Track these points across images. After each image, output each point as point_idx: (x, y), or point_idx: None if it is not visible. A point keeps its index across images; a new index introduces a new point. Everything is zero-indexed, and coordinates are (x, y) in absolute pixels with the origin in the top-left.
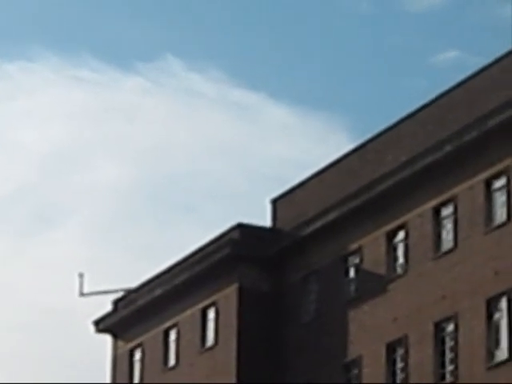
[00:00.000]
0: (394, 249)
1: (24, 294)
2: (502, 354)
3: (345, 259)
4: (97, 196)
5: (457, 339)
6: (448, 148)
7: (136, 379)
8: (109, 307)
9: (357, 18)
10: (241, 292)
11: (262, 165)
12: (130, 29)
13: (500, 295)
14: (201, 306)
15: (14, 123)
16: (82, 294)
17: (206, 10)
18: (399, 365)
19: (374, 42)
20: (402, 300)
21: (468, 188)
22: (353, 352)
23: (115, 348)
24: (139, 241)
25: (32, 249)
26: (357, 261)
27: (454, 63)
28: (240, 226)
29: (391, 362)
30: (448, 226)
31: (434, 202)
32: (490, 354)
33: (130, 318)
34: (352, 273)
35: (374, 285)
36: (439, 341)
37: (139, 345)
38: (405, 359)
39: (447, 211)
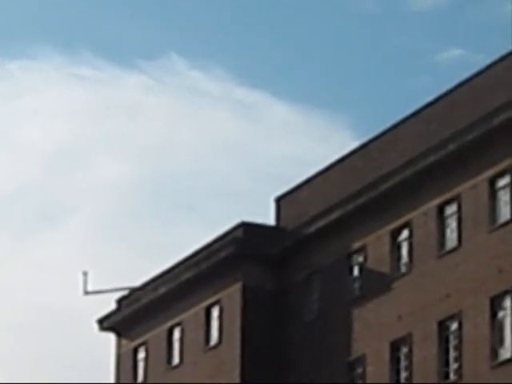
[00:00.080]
0: (398, 247)
1: (27, 292)
2: (506, 352)
3: (349, 258)
4: (99, 194)
5: (461, 337)
6: (452, 146)
7: (140, 378)
8: (113, 306)
9: (360, 17)
10: (245, 290)
11: (266, 163)
12: (133, 27)
13: (504, 293)
14: (205, 304)
15: (18, 122)
16: (86, 292)
17: (209, 8)
18: (403, 363)
19: (377, 40)
20: (406, 298)
21: (472, 186)
22: (357, 350)
23: (119, 346)
24: (142, 239)
25: (35, 247)
26: (361, 259)
27: (458, 61)
28: (244, 225)
29: (395, 360)
30: (452, 224)
31: (437, 201)
32: (494, 353)
33: (133, 316)
34: (356, 271)
35: (377, 283)
36: (443, 339)
37: (143, 343)
38: (409, 357)
39: (451, 210)
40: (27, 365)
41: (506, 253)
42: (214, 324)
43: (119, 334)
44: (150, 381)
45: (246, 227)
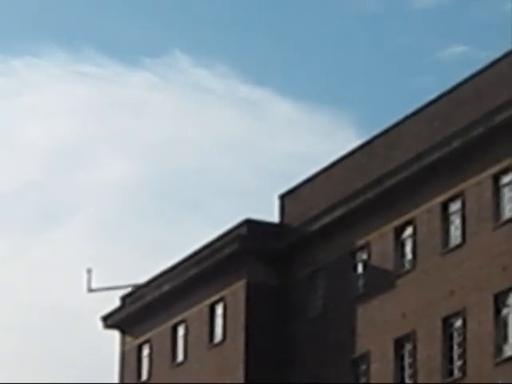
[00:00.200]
0: (402, 244)
1: (31, 291)
2: (510, 349)
3: (353, 255)
4: (103, 193)
5: (465, 335)
6: (456, 144)
7: (144, 375)
8: (117, 303)
9: (363, 15)
10: (249, 288)
11: (270, 160)
12: (137, 24)
13: (508, 290)
14: (209, 301)
15: (20, 119)
16: (90, 290)
17: (213, 6)
18: (407, 360)
19: (380, 38)
20: (410, 295)
21: (476, 183)
22: (361, 347)
23: (123, 344)
24: (147, 237)
25: (38, 247)
26: (365, 256)
27: (461, 58)
28: (248, 222)
29: (399, 357)
30: (456, 221)
31: (441, 198)
32: (499, 350)
33: (138, 313)
34: (360, 268)
35: (381, 280)
36: (447, 336)
37: (147, 340)
38: (413, 355)
39: (455, 207)
40: (31, 363)
41: (510, 250)
42: (218, 321)
43: (123, 332)
44: (154, 378)
45: (250, 224)
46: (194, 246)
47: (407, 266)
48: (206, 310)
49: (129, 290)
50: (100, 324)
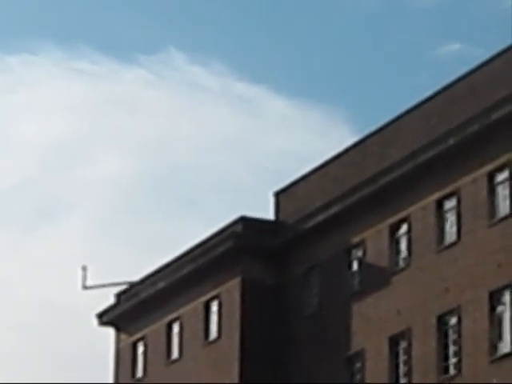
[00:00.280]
0: (397, 242)
1: (26, 288)
2: (505, 346)
3: (348, 252)
4: (98, 190)
5: (460, 332)
6: (451, 141)
7: (139, 372)
8: (112, 300)
9: (359, 12)
10: (244, 285)
11: (265, 158)
12: (132, 21)
13: (503, 288)
14: (204, 298)
15: (15, 116)
16: (85, 287)
17: (208, 3)
18: (402, 358)
19: (376, 35)
20: (405, 293)
21: (471, 181)
22: (356, 345)
23: (118, 341)
24: (142, 234)
25: (33, 243)
26: (360, 254)
27: (456, 56)
28: (243, 219)
29: (394, 354)
30: (451, 218)
31: (437, 195)
32: (494, 347)
33: (133, 310)
34: (355, 266)
35: (377, 278)
36: (442, 334)
37: (142, 338)
38: (408, 352)
39: (450, 204)
40: (26, 360)
41: (505, 247)
42: (214, 318)
43: (118, 329)
44: (149, 375)
45: (246, 222)
46: (189, 243)
47: (402, 263)
48: (201, 308)
49: (124, 287)
50: (95, 321)
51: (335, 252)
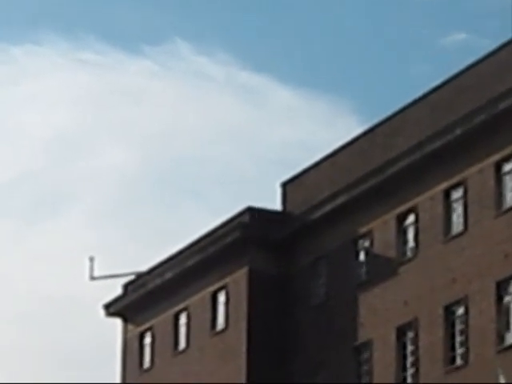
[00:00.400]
0: (404, 232)
1: (31, 280)
2: (511, 336)
3: (355, 242)
4: (103, 182)
5: (467, 322)
6: (458, 131)
7: (146, 363)
8: (119, 291)
9: (365, 2)
10: (251, 275)
11: (270, 148)
12: (137, 12)
13: (510, 278)
14: (211, 289)
15: (19, 108)
16: (92, 278)
17: None
18: (409, 348)
19: (381, 25)
20: (412, 283)
21: (478, 171)
22: (363, 335)
23: (125, 332)
24: (147, 226)
25: (37, 236)
26: (367, 244)
27: (462, 46)
28: (250, 210)
29: (401, 345)
30: (458, 209)
31: (444, 185)
32: (500, 337)
33: (140, 301)
34: (362, 256)
35: (384, 268)
36: (449, 324)
37: (149, 328)
38: (415, 342)
39: (457, 194)
40: (34, 352)
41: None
42: (221, 309)
43: (125, 320)
44: (156, 366)
45: (252, 212)
46: (196, 234)
47: (409, 253)
48: (208, 298)
49: (131, 277)
50: (102, 312)
51: (342, 242)
